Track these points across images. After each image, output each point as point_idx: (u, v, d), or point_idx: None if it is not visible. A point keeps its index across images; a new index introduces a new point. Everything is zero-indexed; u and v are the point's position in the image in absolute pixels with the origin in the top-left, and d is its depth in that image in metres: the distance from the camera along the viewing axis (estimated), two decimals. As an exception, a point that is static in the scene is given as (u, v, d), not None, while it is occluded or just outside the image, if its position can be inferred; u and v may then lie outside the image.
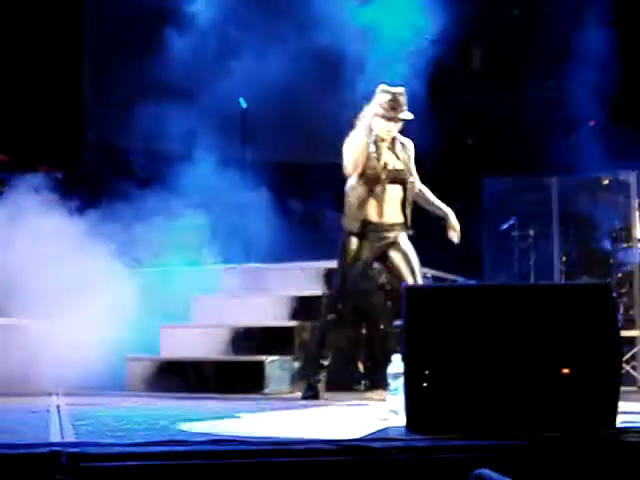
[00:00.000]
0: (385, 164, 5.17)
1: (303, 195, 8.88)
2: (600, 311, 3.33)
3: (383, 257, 5.35)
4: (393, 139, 5.27)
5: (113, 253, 6.56)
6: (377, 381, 6.40)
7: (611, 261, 8.20)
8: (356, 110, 5.27)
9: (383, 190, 5.19)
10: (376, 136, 5.17)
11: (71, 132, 8.11)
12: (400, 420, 3.57)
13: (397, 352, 3.94)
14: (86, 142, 8.28)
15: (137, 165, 7.95)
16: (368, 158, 5.13)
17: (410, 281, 5.19)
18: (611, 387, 3.24)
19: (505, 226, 8.61)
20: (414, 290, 3.56)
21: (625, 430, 3.17)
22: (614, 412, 3.24)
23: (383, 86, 5.19)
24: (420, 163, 5.40)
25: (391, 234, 5.30)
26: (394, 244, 5.30)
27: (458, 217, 5.59)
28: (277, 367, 6.32)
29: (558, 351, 3.26)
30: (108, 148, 8.00)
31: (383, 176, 5.15)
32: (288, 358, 6.44)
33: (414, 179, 5.35)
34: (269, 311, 6.85)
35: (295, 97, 7.45)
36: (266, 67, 7.40)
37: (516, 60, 9.38)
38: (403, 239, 5.32)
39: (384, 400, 4.23)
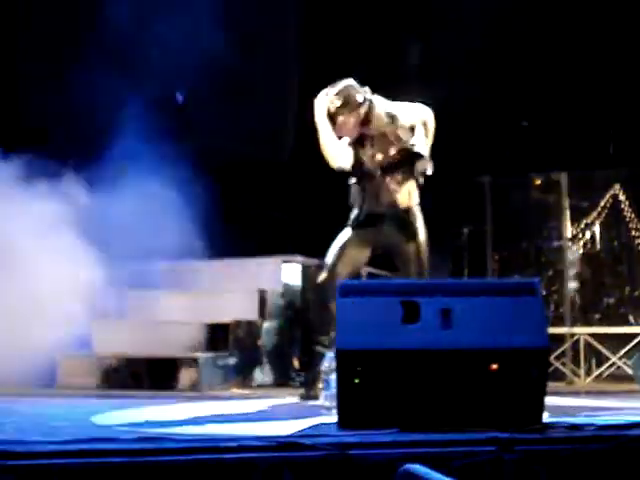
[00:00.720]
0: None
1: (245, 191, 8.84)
2: (529, 308, 3.38)
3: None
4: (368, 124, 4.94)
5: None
6: (311, 377, 6.42)
7: (542, 259, 8.37)
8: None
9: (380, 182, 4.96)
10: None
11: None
12: (332, 416, 3.58)
13: (331, 348, 3.96)
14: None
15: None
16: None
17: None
18: (538, 384, 3.29)
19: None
20: (346, 286, 3.56)
21: (552, 425, 3.22)
22: (541, 408, 3.30)
23: (319, 97, 4.95)
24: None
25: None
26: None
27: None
28: (211, 363, 6.30)
29: (487, 347, 3.30)
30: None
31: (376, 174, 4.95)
32: (223, 354, 6.42)
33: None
34: (203, 307, 6.82)
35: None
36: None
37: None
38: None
39: (317, 396, 4.25)
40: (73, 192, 6.77)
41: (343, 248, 5.00)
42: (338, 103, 4.88)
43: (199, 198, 7.04)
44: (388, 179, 4.93)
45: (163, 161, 6.74)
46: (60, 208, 6.55)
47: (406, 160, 4.92)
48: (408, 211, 4.95)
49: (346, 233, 5.05)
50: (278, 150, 8.51)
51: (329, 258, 5.04)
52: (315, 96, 4.95)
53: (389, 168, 4.94)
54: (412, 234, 4.91)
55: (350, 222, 5.08)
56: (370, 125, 4.91)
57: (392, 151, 4.94)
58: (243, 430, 3.38)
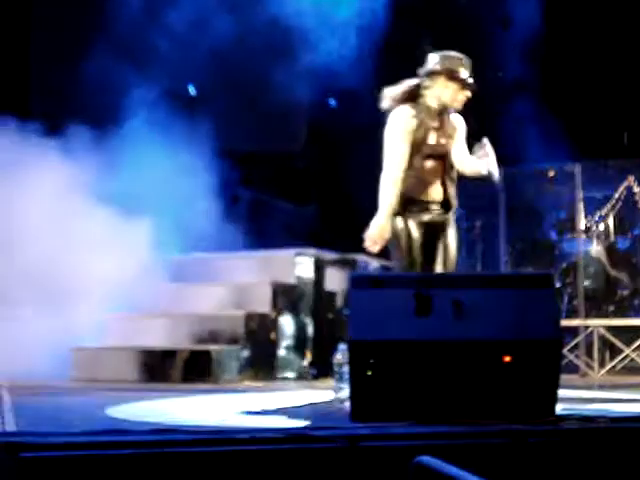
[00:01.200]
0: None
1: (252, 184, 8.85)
2: (542, 300, 3.38)
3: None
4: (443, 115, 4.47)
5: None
6: (324, 369, 6.44)
7: (556, 252, 8.34)
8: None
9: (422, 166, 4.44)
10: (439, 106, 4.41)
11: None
12: (345, 408, 3.59)
13: (344, 340, 3.96)
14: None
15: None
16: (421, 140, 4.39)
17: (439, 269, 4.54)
18: (551, 375, 3.29)
19: (453, 217, 8.69)
20: (359, 278, 3.57)
21: (565, 417, 3.22)
22: (554, 400, 3.29)
23: (444, 52, 4.44)
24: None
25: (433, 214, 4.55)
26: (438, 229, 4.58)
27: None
28: (225, 356, 6.32)
29: (500, 339, 3.30)
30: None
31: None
32: (236, 347, 6.43)
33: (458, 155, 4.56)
34: (217, 300, 6.83)
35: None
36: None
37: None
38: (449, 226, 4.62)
39: (331, 388, 4.26)
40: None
41: None
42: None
43: (213, 189, 7.07)
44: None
45: (178, 149, 6.77)
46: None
47: None
48: None
49: None
50: (292, 141, 8.51)
51: None
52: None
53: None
54: None
55: None
56: None
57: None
58: (256, 422, 3.39)
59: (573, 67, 8.85)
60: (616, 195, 8.16)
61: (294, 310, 7.15)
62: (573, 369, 7.59)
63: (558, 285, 7.93)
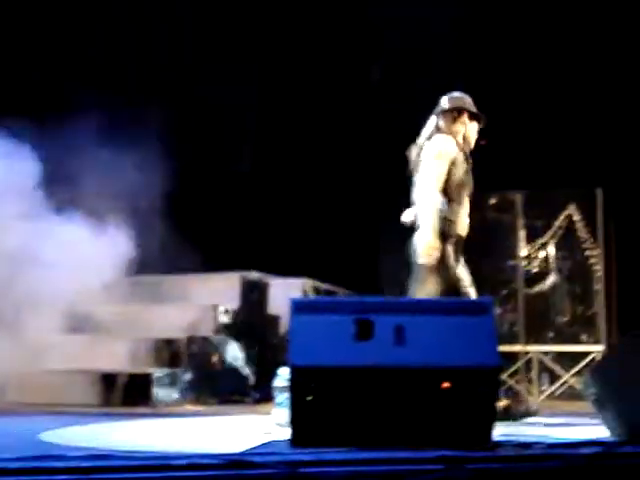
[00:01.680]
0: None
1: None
2: (482, 327, 3.41)
3: None
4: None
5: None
6: (266, 394, 6.41)
7: (497, 278, 8.44)
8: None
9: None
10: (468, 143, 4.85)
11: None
12: (285, 433, 3.57)
13: (286, 365, 3.94)
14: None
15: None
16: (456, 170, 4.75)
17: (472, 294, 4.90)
18: (489, 402, 3.32)
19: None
20: (301, 303, 3.56)
21: (502, 444, 3.25)
22: (491, 426, 3.32)
23: (452, 93, 4.88)
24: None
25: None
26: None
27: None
28: (166, 379, 6.25)
29: (439, 366, 3.32)
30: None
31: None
32: (177, 370, 6.37)
33: None
34: (159, 322, 6.77)
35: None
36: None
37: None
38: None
39: (270, 413, 4.24)
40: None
41: None
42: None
43: (157, 208, 6.98)
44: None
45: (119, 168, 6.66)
46: None
47: None
48: None
49: None
50: (238, 161, 8.50)
51: None
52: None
53: None
54: None
55: None
56: None
57: None
58: (194, 447, 3.36)
59: (515, 95, 9.00)
60: (557, 223, 8.31)
61: (237, 333, 7.12)
62: (513, 395, 7.66)
63: (498, 311, 8.03)
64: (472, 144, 4.88)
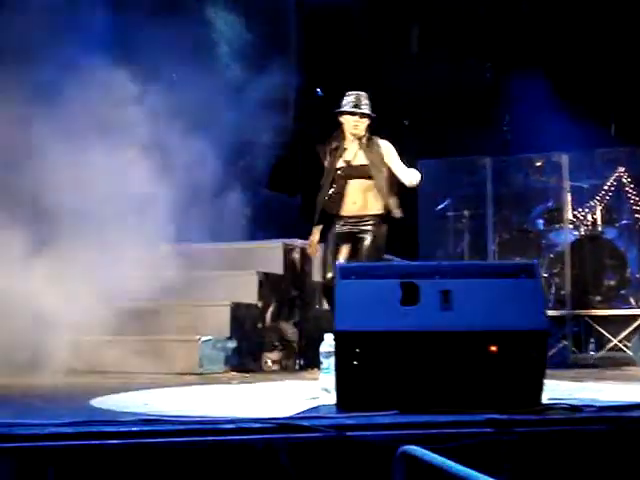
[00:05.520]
0: (347, 161, 5.55)
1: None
2: (528, 290, 3.37)
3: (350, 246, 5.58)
4: (369, 140, 5.60)
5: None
6: (311, 360, 6.43)
7: (543, 242, 8.35)
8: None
9: (343, 185, 5.56)
10: (342, 133, 5.61)
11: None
12: (331, 398, 3.58)
13: (330, 331, 3.94)
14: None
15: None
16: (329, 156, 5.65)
17: None
18: (537, 364, 3.29)
19: (440, 207, 8.70)
20: (346, 269, 3.56)
21: (551, 407, 3.22)
22: (540, 389, 3.29)
23: (348, 92, 5.65)
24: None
25: (353, 226, 5.54)
26: (357, 237, 5.52)
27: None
28: (211, 347, 6.30)
29: (486, 329, 3.29)
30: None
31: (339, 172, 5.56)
32: (222, 338, 6.41)
33: (389, 173, 5.56)
34: (203, 290, 6.80)
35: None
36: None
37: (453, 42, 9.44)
38: (368, 234, 5.51)
39: (317, 378, 4.25)
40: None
41: None
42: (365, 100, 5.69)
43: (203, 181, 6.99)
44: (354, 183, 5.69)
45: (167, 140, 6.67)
46: None
47: None
48: None
49: None
50: (279, 132, 8.49)
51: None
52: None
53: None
54: None
55: None
56: None
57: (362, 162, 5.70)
58: (242, 412, 3.38)
59: (558, 59, 8.85)
60: (605, 186, 8.17)
61: (281, 301, 7.14)
62: (561, 359, 7.60)
63: (545, 275, 7.94)
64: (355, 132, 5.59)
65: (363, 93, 5.65)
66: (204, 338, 6.24)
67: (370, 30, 9.11)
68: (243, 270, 7.04)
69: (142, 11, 6.74)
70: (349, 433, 2.72)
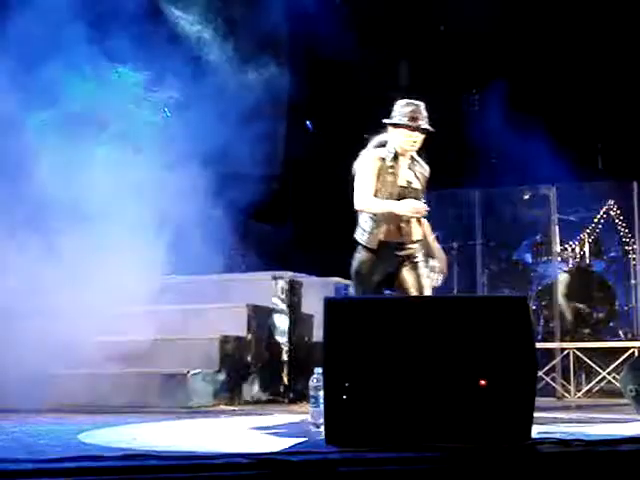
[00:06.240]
0: (409, 182, 4.95)
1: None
2: (516, 324, 3.38)
3: (394, 276, 5.00)
4: (412, 158, 5.01)
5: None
6: (301, 393, 6.41)
7: (532, 274, 8.38)
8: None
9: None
10: (395, 150, 4.94)
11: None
12: (320, 433, 3.56)
13: (320, 365, 3.93)
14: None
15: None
16: (383, 174, 4.90)
17: None
18: (527, 399, 3.28)
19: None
20: (335, 302, 3.56)
21: (540, 441, 3.21)
22: (529, 423, 3.29)
23: (403, 100, 4.98)
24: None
25: (405, 252, 4.98)
26: (407, 264, 4.98)
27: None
28: (200, 380, 6.27)
29: (475, 363, 3.29)
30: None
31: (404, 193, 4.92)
32: (211, 371, 6.39)
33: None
34: (192, 322, 6.79)
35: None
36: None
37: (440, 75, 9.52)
38: (419, 260, 5.02)
39: (306, 412, 4.24)
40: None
41: None
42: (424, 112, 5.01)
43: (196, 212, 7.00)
44: None
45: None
46: None
47: None
48: None
49: None
50: (270, 164, 8.52)
51: None
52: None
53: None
54: None
55: None
56: None
57: (416, 185, 5.10)
58: (230, 447, 3.36)
59: (547, 91, 8.93)
60: (594, 219, 8.23)
61: (270, 333, 7.12)
62: (550, 392, 7.59)
63: (534, 307, 7.96)
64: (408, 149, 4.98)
65: (421, 104, 4.98)
66: (193, 371, 6.21)
67: (360, 65, 9.18)
68: (232, 302, 7.04)
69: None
70: (339, 469, 2.70)
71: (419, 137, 4.92)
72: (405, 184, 4.92)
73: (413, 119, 4.87)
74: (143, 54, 6.96)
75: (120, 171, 6.55)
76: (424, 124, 4.90)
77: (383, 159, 4.92)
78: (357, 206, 4.95)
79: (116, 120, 6.95)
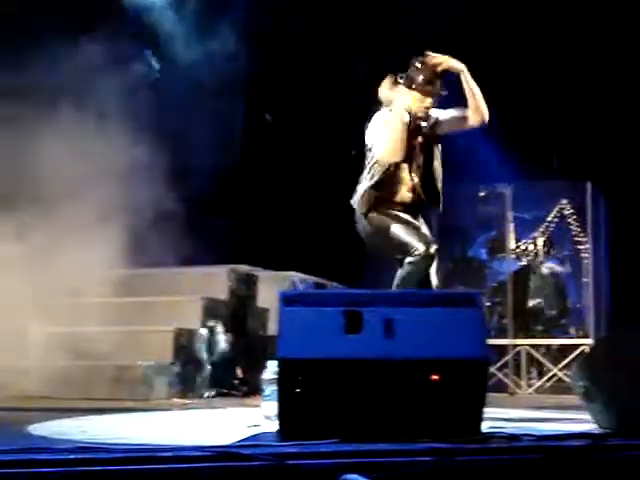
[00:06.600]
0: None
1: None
2: (470, 319, 3.41)
3: None
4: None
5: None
6: (254, 387, 6.39)
7: (486, 271, 8.46)
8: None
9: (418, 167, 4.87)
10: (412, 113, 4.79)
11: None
12: (273, 426, 3.56)
13: (273, 358, 3.93)
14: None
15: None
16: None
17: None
18: (478, 394, 3.31)
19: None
20: (290, 295, 3.55)
21: (490, 436, 3.24)
22: (480, 418, 3.32)
23: (419, 58, 4.84)
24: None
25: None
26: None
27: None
28: (154, 372, 6.23)
29: (428, 358, 3.31)
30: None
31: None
32: (165, 363, 6.35)
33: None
34: (147, 315, 6.75)
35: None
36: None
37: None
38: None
39: (259, 406, 4.23)
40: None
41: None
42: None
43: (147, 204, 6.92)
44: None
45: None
46: None
47: None
48: None
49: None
50: (229, 154, 8.48)
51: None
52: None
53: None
54: None
55: None
56: None
57: None
58: (181, 440, 3.34)
59: (503, 90, 8.99)
60: (549, 217, 8.33)
61: (225, 327, 7.10)
62: (502, 387, 7.68)
63: (488, 304, 8.04)
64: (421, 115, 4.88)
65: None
66: (146, 363, 6.17)
67: (318, 57, 9.17)
68: (187, 295, 7.00)
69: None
70: (289, 461, 2.70)
71: (432, 102, 4.84)
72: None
73: (429, 83, 4.78)
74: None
75: (67, 160, 6.45)
76: (440, 88, 4.81)
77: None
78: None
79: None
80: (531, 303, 8.16)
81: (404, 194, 4.87)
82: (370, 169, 4.87)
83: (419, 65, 4.80)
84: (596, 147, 8.45)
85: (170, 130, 7.05)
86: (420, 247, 4.69)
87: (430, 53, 4.79)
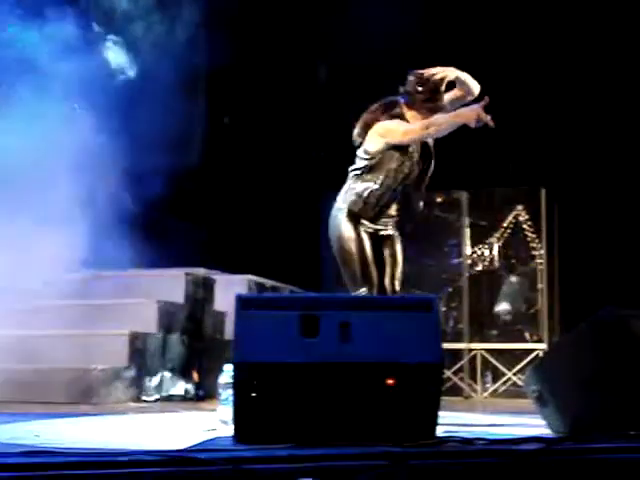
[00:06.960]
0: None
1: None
2: (426, 324, 3.43)
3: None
4: None
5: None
6: (210, 391, 6.38)
7: (443, 276, 8.53)
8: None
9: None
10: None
11: None
12: (229, 430, 3.55)
13: (229, 361, 3.92)
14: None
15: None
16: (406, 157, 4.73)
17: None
18: (432, 398, 3.34)
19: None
20: (246, 299, 3.54)
21: (445, 439, 3.27)
22: (434, 422, 3.34)
23: (416, 74, 4.73)
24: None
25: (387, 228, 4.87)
26: (387, 240, 4.89)
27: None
28: (109, 376, 6.18)
29: (384, 362, 3.33)
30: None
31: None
32: (120, 367, 6.30)
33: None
34: (102, 318, 6.68)
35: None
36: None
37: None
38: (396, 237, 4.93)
39: (215, 410, 4.21)
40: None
41: None
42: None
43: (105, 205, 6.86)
44: None
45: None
46: None
47: None
48: None
49: None
50: (187, 156, 8.42)
51: None
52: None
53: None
54: None
55: None
56: None
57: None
58: (137, 444, 3.32)
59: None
60: (505, 223, 8.42)
61: (181, 330, 7.06)
62: (457, 391, 7.74)
63: (444, 309, 8.11)
64: None
65: None
66: (101, 367, 6.11)
67: (280, 60, 9.17)
68: (143, 298, 6.95)
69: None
70: (245, 466, 2.70)
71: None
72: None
73: (435, 100, 4.71)
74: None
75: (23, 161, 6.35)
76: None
77: None
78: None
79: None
80: (498, 308, 8.25)
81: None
82: (372, 172, 4.73)
83: (419, 81, 4.69)
84: (550, 155, 8.56)
85: (128, 127, 6.97)
86: (362, 290, 4.70)
87: (428, 70, 4.70)
